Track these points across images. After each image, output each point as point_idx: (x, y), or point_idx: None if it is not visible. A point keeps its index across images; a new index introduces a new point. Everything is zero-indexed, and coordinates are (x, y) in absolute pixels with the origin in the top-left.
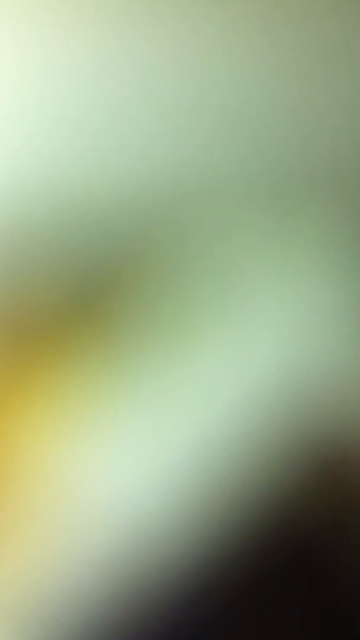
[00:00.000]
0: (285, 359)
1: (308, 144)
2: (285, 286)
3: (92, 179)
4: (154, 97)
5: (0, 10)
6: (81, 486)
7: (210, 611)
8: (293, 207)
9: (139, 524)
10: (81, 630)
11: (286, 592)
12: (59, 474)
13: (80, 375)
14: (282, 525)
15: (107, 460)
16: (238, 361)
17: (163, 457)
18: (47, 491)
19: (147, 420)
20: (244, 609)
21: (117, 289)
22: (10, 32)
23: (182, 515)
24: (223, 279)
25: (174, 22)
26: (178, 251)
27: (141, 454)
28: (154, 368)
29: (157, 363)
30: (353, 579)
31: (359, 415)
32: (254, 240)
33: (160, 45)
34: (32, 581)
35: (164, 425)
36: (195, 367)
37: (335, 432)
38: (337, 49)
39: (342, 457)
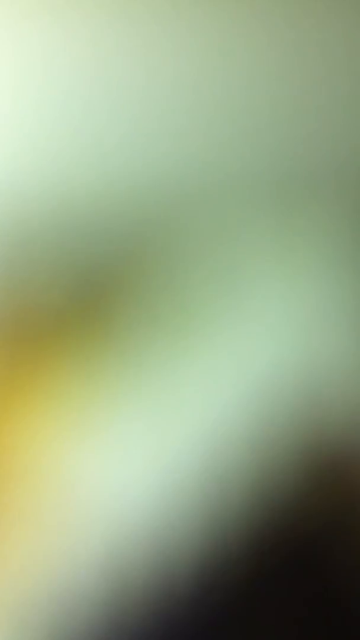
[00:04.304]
0: (286, 359)
1: (308, 144)
2: (285, 286)
3: (93, 179)
4: (153, 97)
5: (0, 10)
6: (81, 486)
7: (210, 611)
8: (293, 207)
9: (138, 523)
10: (81, 630)
11: (286, 592)
12: (59, 474)
13: (80, 375)
14: (283, 525)
15: (107, 460)
16: (238, 361)
17: (163, 457)
18: (47, 491)
19: (147, 420)
20: (244, 609)
21: (117, 289)
22: (10, 32)
23: (182, 515)
24: (223, 279)
25: (174, 22)
26: (178, 251)
27: (141, 453)
28: (154, 368)
29: (157, 363)
30: (353, 579)
31: (359, 415)
32: (254, 240)
33: (160, 45)
34: (32, 581)
35: (164, 425)
36: (195, 367)
37: (335, 431)
38: (337, 49)
39: (343, 457)
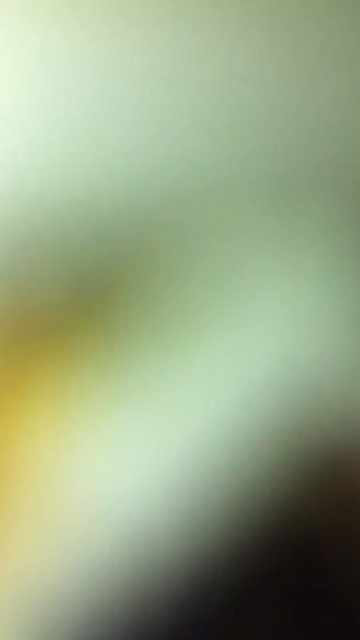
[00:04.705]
0: (286, 359)
1: (308, 144)
2: (285, 286)
3: (93, 179)
4: (154, 97)
5: (0, 10)
6: (81, 486)
7: (210, 611)
8: (293, 208)
9: (139, 523)
10: (81, 630)
11: (286, 592)
12: (59, 474)
13: (80, 375)
14: (283, 525)
15: (107, 460)
16: (238, 361)
17: (163, 457)
18: (47, 491)
19: (147, 420)
20: (244, 609)
21: (117, 289)
22: (10, 32)
23: (182, 515)
24: (223, 279)
25: (174, 22)
26: (178, 251)
27: (141, 453)
28: (154, 368)
29: (157, 363)
30: (353, 579)
31: (359, 414)
32: (254, 240)
33: (160, 46)
34: (32, 581)
35: (164, 425)
36: (195, 367)
37: (335, 431)
38: (337, 49)
39: (343, 457)
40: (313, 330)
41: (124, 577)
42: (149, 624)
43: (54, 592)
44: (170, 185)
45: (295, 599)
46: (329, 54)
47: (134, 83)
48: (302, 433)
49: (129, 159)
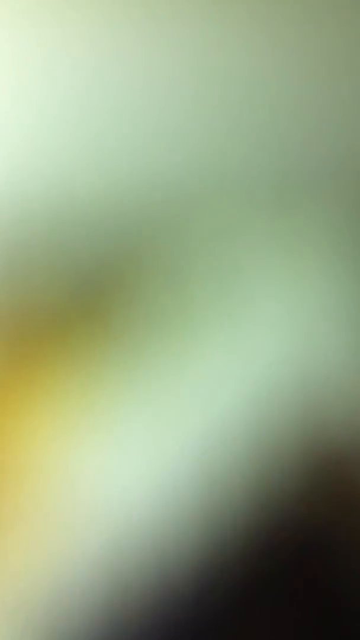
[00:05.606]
0: (286, 359)
1: (308, 145)
2: (285, 286)
3: (93, 179)
4: (154, 97)
5: (0, 9)
6: (81, 486)
7: (210, 611)
8: (293, 208)
9: (138, 524)
10: (81, 630)
11: (286, 592)
12: (59, 474)
13: (80, 375)
14: (282, 525)
15: (107, 460)
16: (238, 361)
17: (163, 457)
18: (47, 491)
19: (147, 420)
20: (244, 609)
21: (117, 289)
22: (10, 32)
23: (182, 516)
24: (223, 279)
25: (173, 22)
26: (178, 251)
27: (141, 453)
28: (154, 368)
29: (157, 363)
30: (353, 580)
31: (359, 415)
32: (254, 240)
33: (160, 46)
34: (32, 581)
35: (164, 425)
36: (195, 367)
37: (336, 431)
38: (337, 48)
39: (343, 457)
40: (313, 330)
41: (123, 577)
42: (149, 623)
43: (55, 592)
44: (170, 185)
45: (295, 599)
46: (329, 53)
47: (133, 82)
48: (303, 433)
49: (129, 159)
